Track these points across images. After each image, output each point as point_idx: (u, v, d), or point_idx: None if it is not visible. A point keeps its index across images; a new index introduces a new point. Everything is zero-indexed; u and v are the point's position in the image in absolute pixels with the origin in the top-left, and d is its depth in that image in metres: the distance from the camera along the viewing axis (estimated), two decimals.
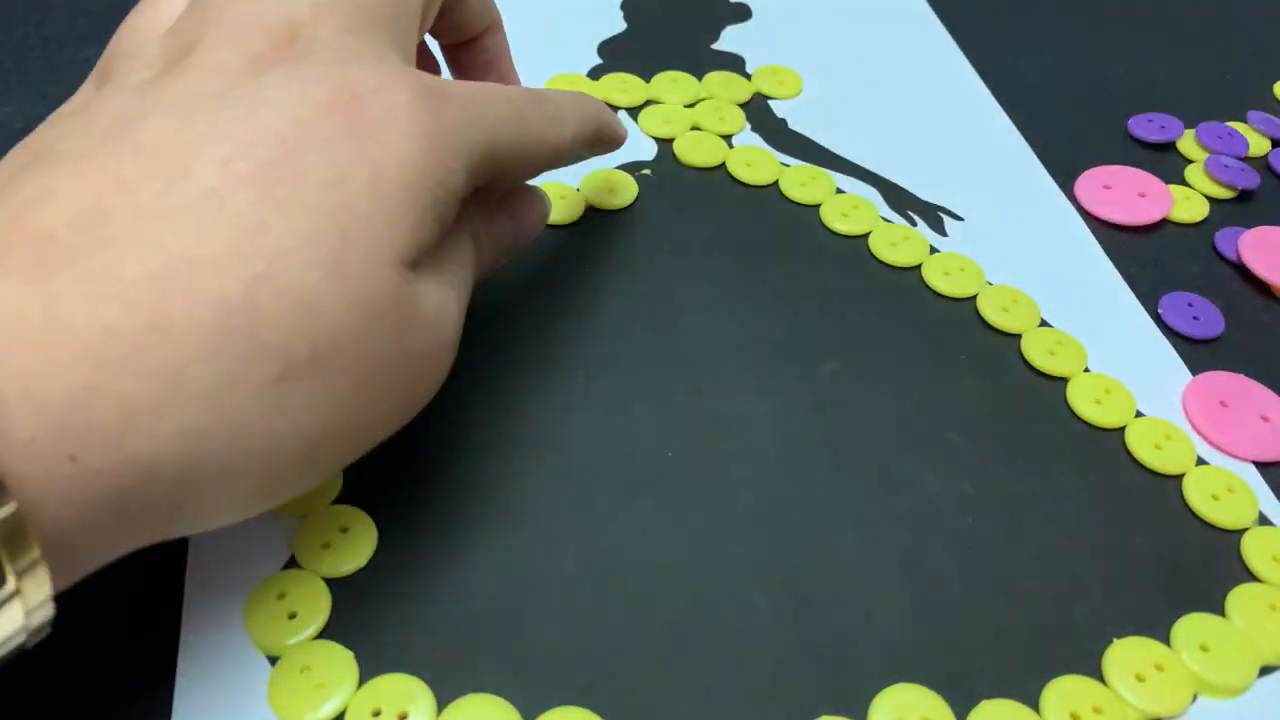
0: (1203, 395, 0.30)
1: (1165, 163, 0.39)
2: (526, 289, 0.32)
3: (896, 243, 0.34)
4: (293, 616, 0.24)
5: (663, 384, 0.29)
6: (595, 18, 0.43)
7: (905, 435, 0.29)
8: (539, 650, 0.24)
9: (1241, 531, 0.27)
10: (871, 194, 0.36)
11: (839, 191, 0.36)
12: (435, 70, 0.31)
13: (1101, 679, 0.24)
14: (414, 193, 0.20)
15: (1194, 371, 0.31)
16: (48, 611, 0.17)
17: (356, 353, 0.19)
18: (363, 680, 0.23)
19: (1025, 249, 0.35)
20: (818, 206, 0.35)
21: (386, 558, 0.25)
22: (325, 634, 0.24)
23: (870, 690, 0.24)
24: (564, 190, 0.35)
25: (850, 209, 0.35)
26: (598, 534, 0.26)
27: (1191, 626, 0.25)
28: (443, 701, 0.23)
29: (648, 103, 0.39)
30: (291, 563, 0.25)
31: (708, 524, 0.26)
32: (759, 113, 0.39)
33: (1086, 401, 0.30)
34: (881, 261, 0.34)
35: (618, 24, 0.43)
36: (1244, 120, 0.41)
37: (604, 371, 0.30)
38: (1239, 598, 0.26)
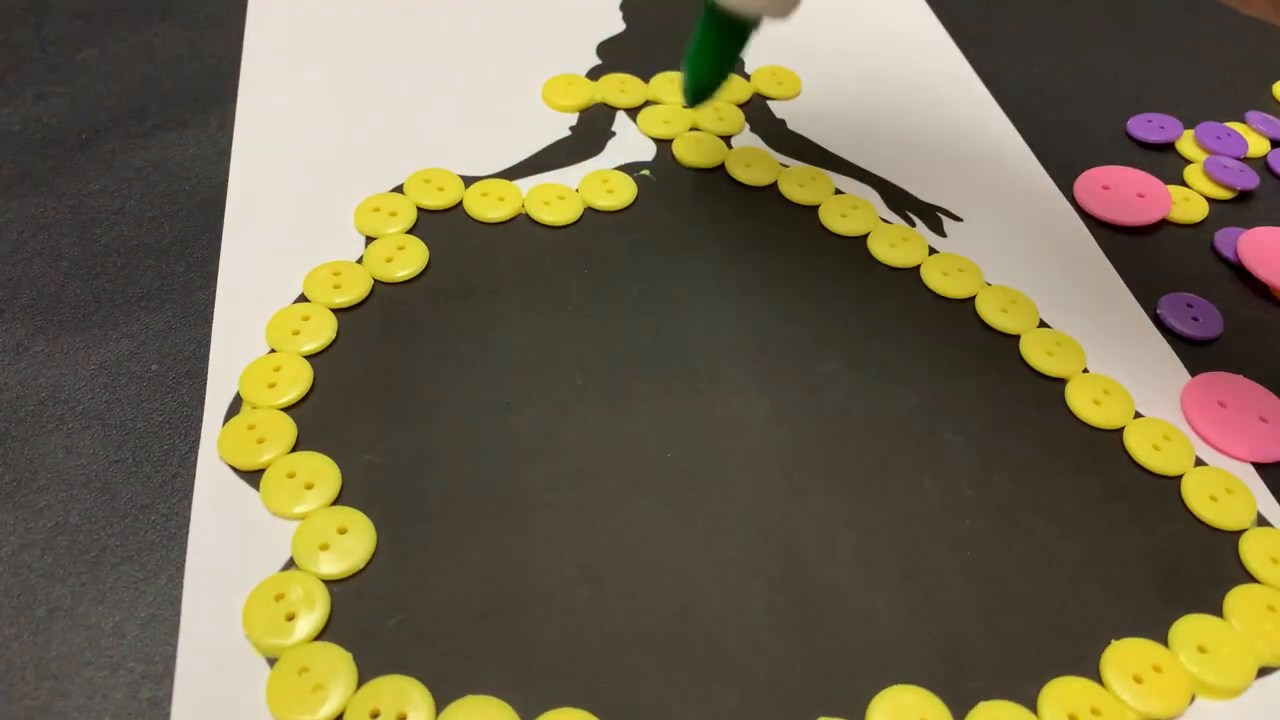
0: (1201, 396, 0.30)
1: (1164, 163, 0.39)
2: (525, 289, 0.32)
3: (896, 243, 0.34)
4: (291, 618, 0.24)
5: (661, 384, 0.29)
6: (595, 18, 0.43)
7: (903, 436, 0.29)
8: (538, 651, 0.24)
9: (1240, 532, 0.27)
10: (871, 194, 0.36)
11: (838, 192, 0.36)
12: None
13: (1099, 680, 0.24)
14: None
15: (1193, 372, 0.31)
16: None
17: None
18: (361, 681, 0.23)
19: (1024, 249, 0.35)
20: (817, 207, 0.35)
21: (385, 559, 0.25)
22: (324, 635, 0.24)
23: (868, 692, 0.24)
24: (563, 190, 0.35)
25: (849, 209, 0.35)
26: (598, 534, 0.26)
27: (1189, 628, 0.25)
28: (441, 703, 0.23)
29: (647, 103, 0.39)
30: (290, 564, 0.25)
31: (706, 525, 0.26)
32: (758, 113, 0.39)
33: (1085, 402, 0.30)
34: (881, 262, 0.34)
35: (618, 24, 0.43)
36: (1243, 121, 0.41)
37: (603, 372, 0.30)
38: (1237, 599, 0.26)
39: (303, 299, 0.31)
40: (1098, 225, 0.36)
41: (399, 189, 0.34)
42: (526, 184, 0.35)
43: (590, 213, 0.34)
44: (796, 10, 0.29)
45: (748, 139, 0.38)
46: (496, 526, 0.26)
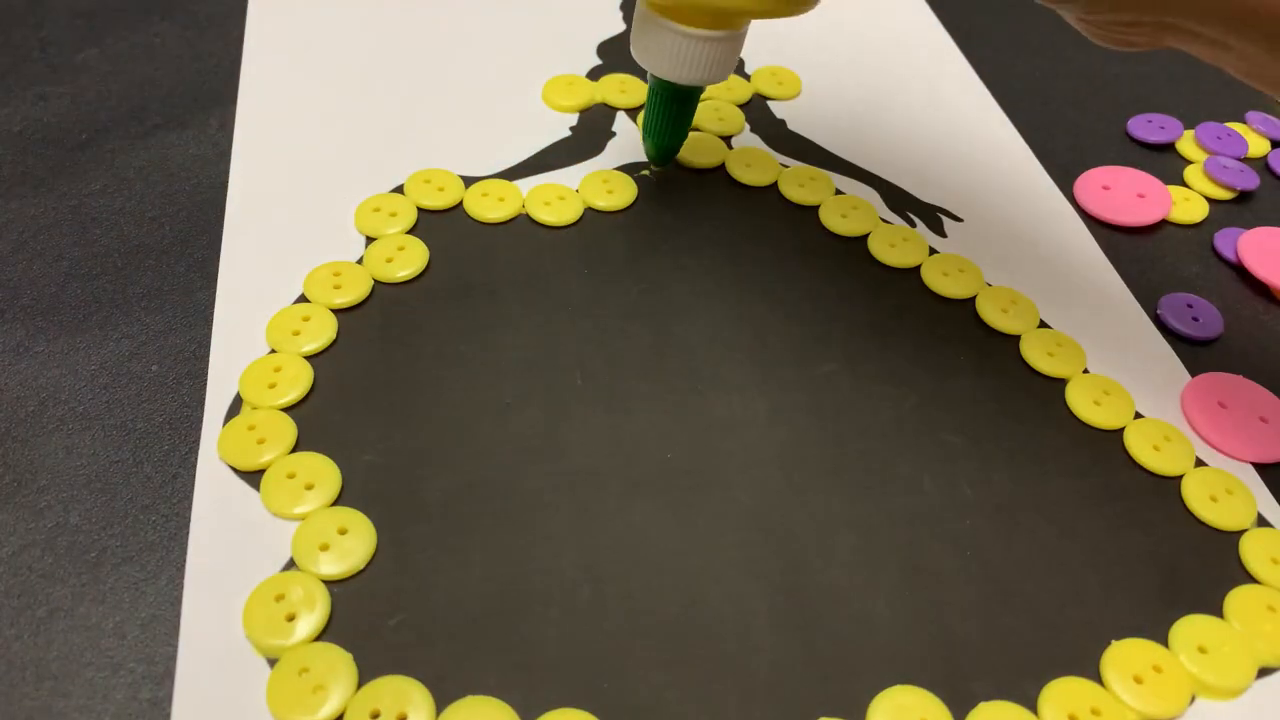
0: (1202, 396, 0.30)
1: (1164, 163, 0.39)
2: (525, 289, 0.32)
3: (896, 243, 0.34)
4: (291, 618, 0.24)
5: (662, 384, 0.29)
6: (595, 18, 0.43)
7: (904, 436, 0.29)
8: (538, 650, 0.24)
9: (1240, 533, 0.27)
10: (871, 194, 0.36)
11: (838, 192, 0.36)
12: None
13: (1100, 681, 0.24)
14: None
15: (1193, 372, 0.31)
16: None
17: None
18: (361, 682, 0.23)
19: (1025, 250, 0.35)
20: (817, 207, 0.35)
21: (385, 559, 0.25)
22: (324, 636, 0.24)
23: (869, 692, 0.24)
24: (564, 190, 0.35)
25: (850, 209, 0.35)
26: (598, 534, 0.26)
27: (1190, 628, 0.25)
28: (442, 703, 0.23)
29: None
30: (290, 564, 0.25)
31: (706, 525, 0.26)
32: (758, 113, 0.39)
33: (1085, 402, 0.30)
34: (881, 262, 0.34)
35: (618, 24, 0.43)
36: (1243, 121, 0.41)
37: (603, 372, 0.30)
38: (1237, 599, 0.26)
39: (303, 299, 0.31)
40: (1098, 225, 0.36)
41: (399, 189, 0.34)
42: (527, 184, 0.35)
43: (590, 213, 0.34)
44: (730, 72, 0.31)
45: (748, 139, 0.38)
46: (496, 526, 0.26)
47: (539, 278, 0.32)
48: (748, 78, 0.40)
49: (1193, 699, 0.24)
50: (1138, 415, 0.30)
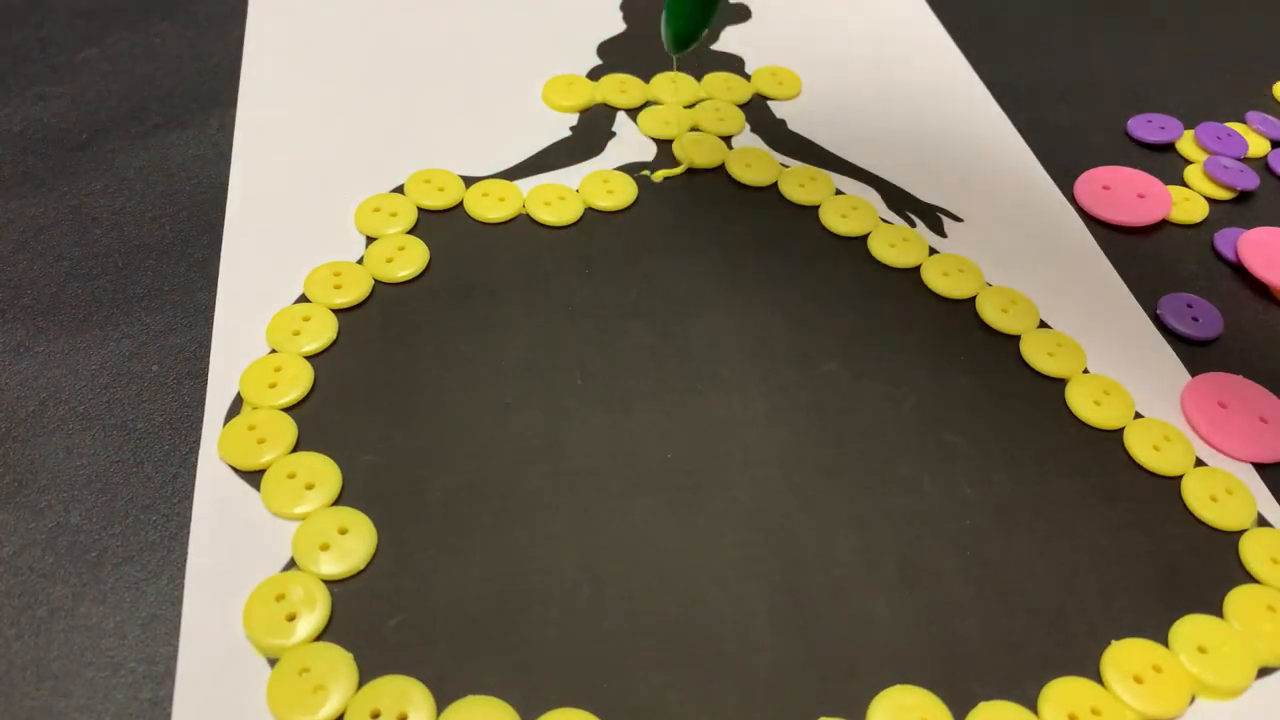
0: (1202, 396, 0.30)
1: (1165, 163, 0.39)
2: (525, 289, 0.32)
3: (896, 243, 0.34)
4: (292, 618, 0.24)
5: (661, 384, 0.29)
6: (595, 18, 0.43)
7: (904, 436, 0.29)
8: (539, 651, 0.24)
9: (1240, 533, 0.27)
10: (871, 194, 0.36)
11: (838, 192, 0.36)
12: None
13: (1100, 681, 0.24)
14: None
15: (1193, 372, 0.31)
16: None
17: None
18: (362, 682, 0.23)
19: (1025, 250, 0.35)
20: (817, 207, 0.35)
21: (386, 559, 0.25)
22: (324, 635, 0.24)
23: (869, 692, 0.24)
24: (564, 190, 0.35)
25: (850, 209, 0.35)
26: (598, 534, 0.26)
27: (1190, 628, 0.25)
28: (442, 703, 0.23)
29: (647, 103, 0.39)
30: (291, 564, 0.25)
31: (706, 525, 0.26)
32: (758, 113, 0.39)
33: (1086, 403, 0.30)
34: (881, 262, 0.34)
35: (618, 24, 0.43)
36: (1243, 121, 0.41)
37: (603, 372, 0.30)
38: (1237, 599, 0.26)
39: (303, 299, 0.31)
40: (1098, 225, 0.36)
41: (399, 189, 0.34)
42: (527, 184, 0.35)
43: (591, 213, 0.34)
44: None
45: (748, 139, 0.38)
46: (497, 526, 0.26)
47: (539, 278, 0.32)
48: (748, 78, 0.41)
49: (1193, 699, 0.24)
50: (1138, 415, 0.30)
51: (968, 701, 0.24)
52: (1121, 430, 0.29)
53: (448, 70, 0.40)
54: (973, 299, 0.33)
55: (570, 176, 0.35)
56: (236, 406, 0.28)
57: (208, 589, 0.24)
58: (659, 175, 0.36)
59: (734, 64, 0.41)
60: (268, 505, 0.26)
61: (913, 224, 0.35)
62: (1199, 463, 0.29)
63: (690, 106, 0.39)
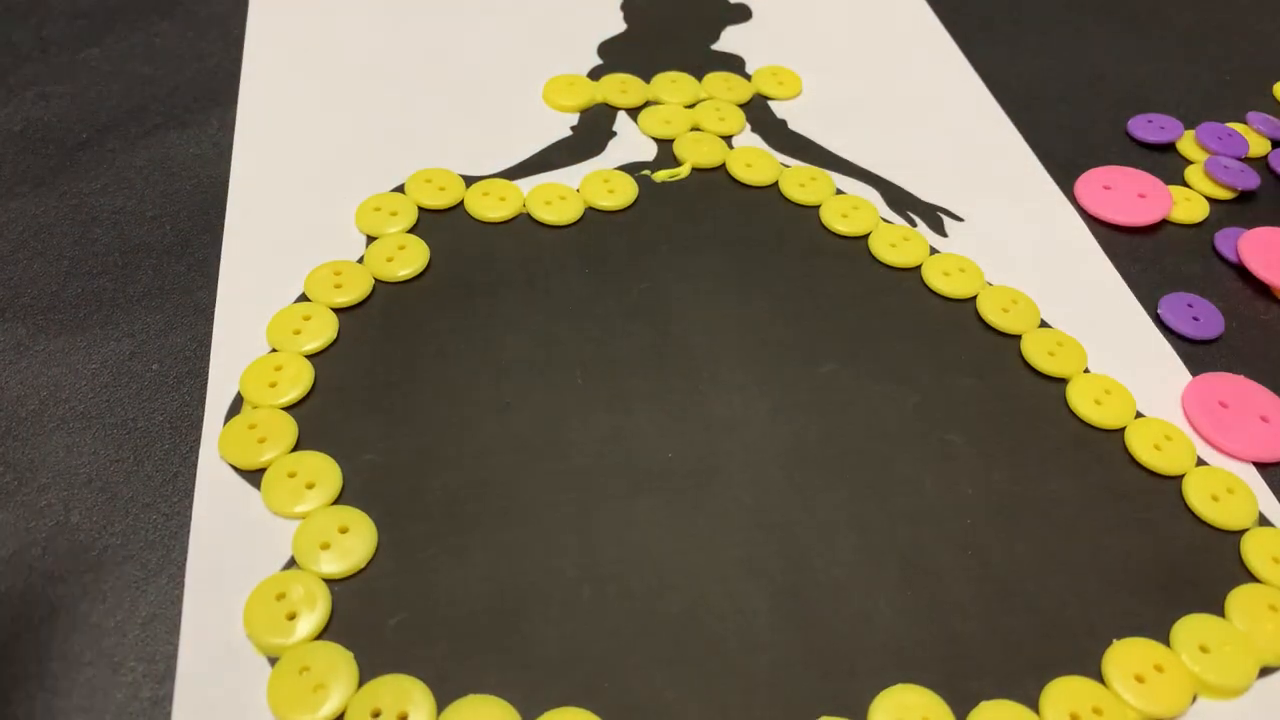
0: (1202, 396, 0.30)
1: (1165, 163, 0.39)
2: (526, 289, 0.32)
3: (896, 243, 0.34)
4: (292, 617, 0.24)
5: (662, 384, 0.29)
6: (595, 18, 0.43)
7: (904, 436, 0.29)
8: (539, 650, 0.24)
9: (1241, 532, 0.27)
10: (871, 194, 0.36)
11: (839, 192, 0.36)
12: None
13: (1101, 680, 0.24)
14: None
15: (1194, 372, 0.31)
16: None
17: None
18: (362, 681, 0.23)
19: (1025, 249, 0.35)
20: (817, 207, 0.35)
21: (386, 558, 0.25)
22: (325, 634, 0.24)
23: (870, 691, 0.24)
24: (564, 190, 0.35)
25: (850, 209, 0.35)
26: (598, 533, 0.26)
27: (1191, 627, 0.25)
28: (442, 702, 0.23)
29: (648, 103, 0.39)
30: (291, 563, 0.25)
31: (707, 524, 0.26)
32: (759, 113, 0.39)
33: (1086, 402, 0.30)
34: (881, 262, 0.34)
35: (618, 24, 0.43)
36: (1243, 121, 0.41)
37: (603, 372, 0.30)
38: (1239, 598, 0.26)
39: (304, 298, 0.31)
40: (1098, 225, 0.36)
41: (400, 189, 0.34)
42: (527, 184, 0.35)
43: (591, 213, 0.34)
44: None
45: (748, 139, 0.38)
46: (497, 526, 0.26)
47: (539, 277, 0.32)
48: (748, 77, 0.41)
49: (1194, 698, 0.24)
50: (1138, 415, 0.30)
51: (969, 700, 0.24)
52: (1122, 430, 0.29)
53: (448, 70, 0.40)
54: (973, 299, 0.33)
55: (571, 176, 0.35)
56: (237, 405, 0.28)
57: (208, 588, 0.24)
58: (660, 176, 0.36)
59: (734, 64, 0.41)
60: (268, 504, 0.26)
61: (913, 224, 0.35)
62: (1200, 462, 0.29)
63: (690, 106, 0.39)
